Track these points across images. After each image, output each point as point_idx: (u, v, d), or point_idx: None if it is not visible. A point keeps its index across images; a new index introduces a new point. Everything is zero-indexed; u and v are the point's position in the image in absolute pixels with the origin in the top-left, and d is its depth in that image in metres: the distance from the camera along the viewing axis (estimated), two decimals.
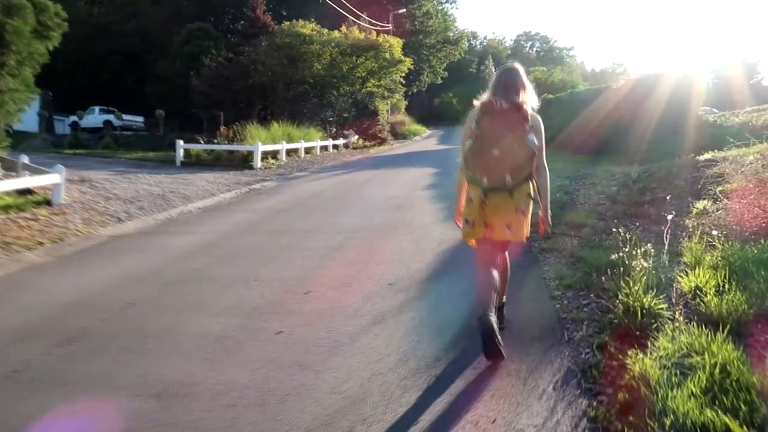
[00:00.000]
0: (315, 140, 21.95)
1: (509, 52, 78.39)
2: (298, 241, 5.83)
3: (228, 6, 43.28)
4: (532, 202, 3.20)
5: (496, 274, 3.15)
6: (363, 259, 5.04)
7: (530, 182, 3.15)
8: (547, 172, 3.23)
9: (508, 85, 3.14)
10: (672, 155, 12.59)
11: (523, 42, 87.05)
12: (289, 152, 19.38)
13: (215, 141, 17.56)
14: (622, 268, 3.91)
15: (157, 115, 33.63)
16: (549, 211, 3.28)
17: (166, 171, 13.91)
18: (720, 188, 6.78)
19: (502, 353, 2.90)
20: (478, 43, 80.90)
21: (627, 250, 4.03)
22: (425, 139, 37.21)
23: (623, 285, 3.59)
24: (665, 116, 14.09)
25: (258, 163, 15.45)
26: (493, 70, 63.40)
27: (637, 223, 6.16)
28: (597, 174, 10.64)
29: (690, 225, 5.46)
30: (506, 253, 3.42)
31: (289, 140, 19.75)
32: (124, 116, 37.35)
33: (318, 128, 24.75)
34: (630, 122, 14.77)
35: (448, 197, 8.71)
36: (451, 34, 54.41)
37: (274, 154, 17.72)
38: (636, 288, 3.51)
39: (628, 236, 4.17)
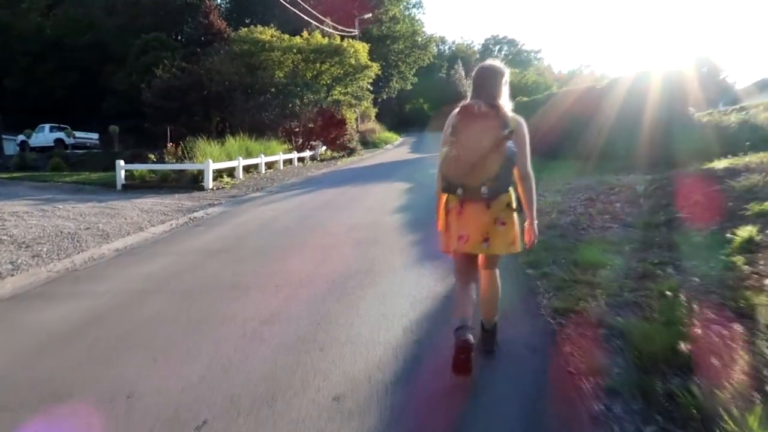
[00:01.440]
0: (277, 154, 20.36)
1: (478, 56, 78.30)
2: (220, 306, 4.25)
3: (186, 14, 41.39)
4: (514, 213, 2.93)
5: (473, 288, 3.06)
6: (303, 341, 3.50)
7: (510, 192, 2.90)
8: (533, 179, 2.97)
9: (485, 85, 2.90)
10: (668, 161, 11.35)
11: (491, 46, 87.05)
12: (248, 168, 17.76)
13: (165, 159, 15.84)
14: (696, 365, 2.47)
15: (111, 131, 31.62)
16: (535, 221, 3.05)
17: (100, 197, 12.16)
18: (759, 207, 5.45)
19: (470, 370, 2.77)
20: (446, 48, 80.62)
21: (698, 330, 2.60)
22: (396, 147, 35.84)
23: (723, 413, 2.13)
24: (653, 117, 12.87)
25: (209, 183, 13.79)
26: (463, 74, 63.33)
27: (666, 257, 4.76)
28: (591, 186, 9.28)
29: (742, 265, 4.08)
30: (496, 271, 3.17)
31: (248, 155, 18.13)
32: (77, 134, 35.28)
33: (281, 140, 23.14)
34: (616, 124, 13.53)
35: (421, 225, 7.22)
36: (420, 39, 53.26)
37: (230, 172, 16.08)
38: (751, 422, 2.06)
39: (670, 292, 2.73)
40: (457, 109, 2.91)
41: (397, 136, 46.53)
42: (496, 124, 2.75)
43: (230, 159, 16.27)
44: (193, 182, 14.20)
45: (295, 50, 24.75)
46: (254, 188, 13.53)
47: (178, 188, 13.98)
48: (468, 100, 2.93)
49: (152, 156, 16.61)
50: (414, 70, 54.06)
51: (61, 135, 34.03)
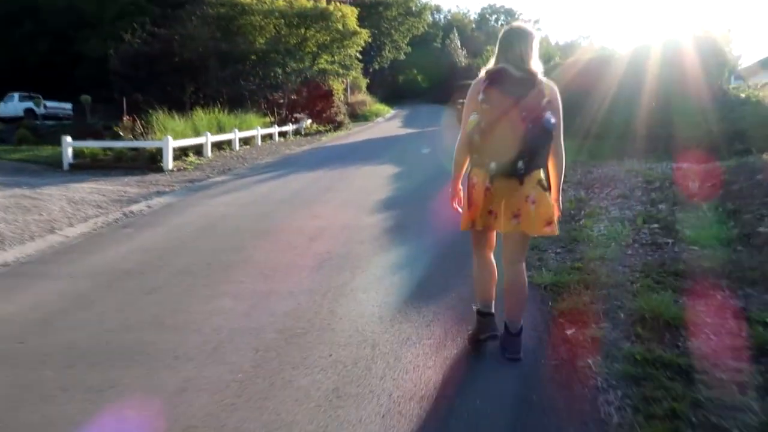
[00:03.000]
0: (254, 128, 18.44)
1: (474, 26, 75.77)
2: (78, 407, 2.54)
3: None
4: (547, 192, 2.68)
5: (493, 261, 2.92)
6: None
7: (542, 168, 2.66)
8: (563, 153, 2.76)
9: (521, 49, 2.61)
10: (701, 144, 9.66)
11: (488, 15, 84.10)
12: (221, 145, 15.89)
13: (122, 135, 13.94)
14: None
15: (83, 100, 29.49)
16: (560, 198, 2.88)
17: (36, 180, 10.33)
18: None
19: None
20: (442, 17, 77.86)
21: None
22: (388, 121, 33.83)
23: None
24: (683, 91, 11.13)
25: (168, 163, 11.96)
26: (459, 44, 60.85)
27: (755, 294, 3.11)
28: (619, 177, 7.56)
29: None
30: (523, 265, 2.85)
31: (220, 130, 16.24)
32: (49, 103, 33.19)
33: (262, 113, 21.20)
34: (638, 100, 11.77)
35: (412, 231, 5.51)
36: (414, 6, 50.70)
37: (198, 149, 14.23)
38: None
39: None
40: (484, 74, 2.64)
41: (389, 108, 44.41)
42: (532, 92, 2.54)
43: (197, 135, 14.41)
44: (150, 162, 12.36)
45: (277, 14, 22.61)
46: (220, 170, 11.73)
47: (132, 169, 12.15)
48: (493, 64, 2.69)
49: (120, 129, 14.67)
50: (408, 39, 51.65)
51: (31, 104, 31.96)
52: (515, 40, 2.64)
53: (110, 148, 12.80)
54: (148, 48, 20.09)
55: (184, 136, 13.78)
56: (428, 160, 12.05)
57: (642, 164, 8.36)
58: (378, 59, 47.77)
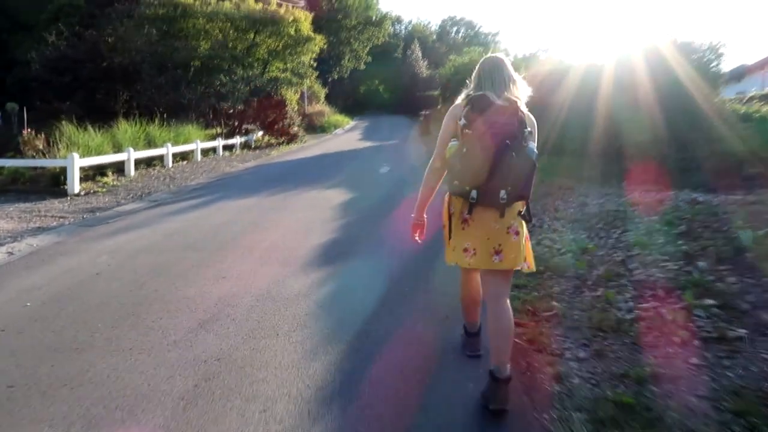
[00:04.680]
0: (193, 142, 16.40)
1: (434, 37, 75.09)
2: None
3: None
4: (523, 222, 2.59)
5: (479, 280, 2.80)
6: None
7: (524, 199, 2.53)
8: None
9: (503, 77, 2.56)
10: (698, 166, 8.28)
11: (448, 27, 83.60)
12: (152, 161, 13.84)
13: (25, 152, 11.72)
14: None
15: (8, 108, 26.71)
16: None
17: None
18: None
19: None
20: (403, 27, 76.92)
21: None
22: (347, 132, 32.06)
23: None
24: (671, 105, 9.76)
25: (74, 186, 9.88)
26: (420, 55, 59.81)
27: None
28: (624, 211, 5.99)
29: None
30: (507, 301, 2.61)
31: (150, 144, 14.17)
32: None
33: (205, 126, 19.16)
34: (619, 114, 10.39)
35: (363, 313, 3.70)
36: (374, 15, 49.21)
37: (120, 167, 12.17)
38: None
39: None
40: (466, 99, 2.59)
41: (349, 119, 42.64)
42: (516, 121, 2.45)
43: (119, 150, 12.32)
44: (53, 184, 10.26)
45: (222, 17, 20.60)
46: (136, 195, 9.72)
47: (29, 192, 10.04)
48: (474, 90, 2.62)
49: (37, 142, 12.39)
50: (368, 48, 50.07)
51: None
52: (496, 69, 2.59)
53: (5, 168, 10.60)
54: (72, 51, 17.78)
55: (100, 152, 11.69)
56: (386, 182, 10.32)
57: (645, 193, 6.83)
58: (337, 69, 46.01)
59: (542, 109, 10.95)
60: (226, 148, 19.30)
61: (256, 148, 21.55)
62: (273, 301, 4.00)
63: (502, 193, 2.42)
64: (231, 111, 22.16)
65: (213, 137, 19.23)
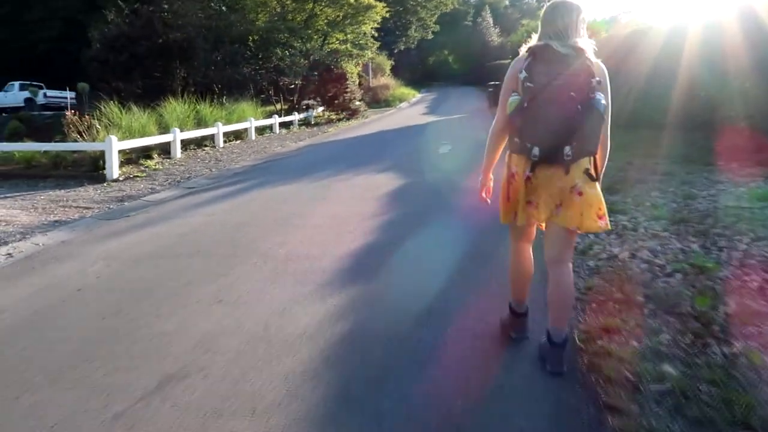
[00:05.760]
0: (247, 120, 15.74)
1: (507, 2, 71.40)
2: None
3: None
4: (596, 183, 2.41)
5: (531, 254, 2.72)
6: None
7: (591, 155, 2.38)
8: (609, 142, 2.50)
9: (566, 24, 2.35)
10: None
11: None
12: (203, 141, 13.29)
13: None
14: None
15: (80, 89, 27.41)
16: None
17: None
18: None
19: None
20: None
21: None
22: (412, 106, 30.75)
23: None
24: None
25: (113, 171, 9.34)
26: (491, 22, 57.02)
27: None
28: (755, 212, 4.55)
29: None
30: (569, 265, 2.53)
31: (198, 124, 13.59)
32: (50, 92, 31.44)
33: (263, 102, 18.52)
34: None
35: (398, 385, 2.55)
36: None
37: (165, 148, 11.64)
38: None
39: None
40: (527, 50, 2.42)
41: (415, 92, 41.18)
42: (582, 71, 2.28)
43: (165, 131, 11.76)
44: (93, 169, 9.78)
45: None
46: (175, 180, 9.04)
47: (69, 178, 9.60)
48: (537, 40, 2.43)
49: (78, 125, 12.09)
50: (436, 17, 47.98)
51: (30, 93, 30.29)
52: (560, 15, 2.38)
53: (47, 152, 10.23)
54: (128, 28, 17.45)
55: (144, 133, 11.14)
56: (445, 165, 9.09)
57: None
58: (403, 39, 44.41)
59: (617, 74, 9.66)
60: (283, 125, 18.60)
61: (315, 124, 20.76)
62: (268, 344, 2.98)
63: (567, 150, 2.29)
64: (291, 86, 21.42)
65: (270, 114, 18.56)
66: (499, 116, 2.53)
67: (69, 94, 31.40)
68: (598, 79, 2.29)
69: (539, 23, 2.47)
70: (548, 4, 2.47)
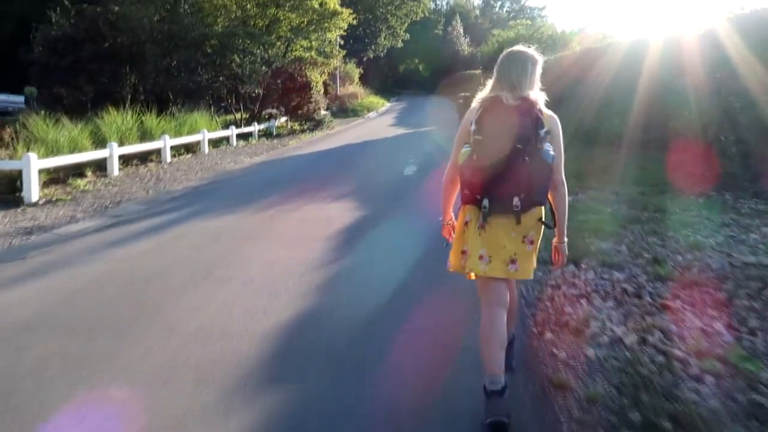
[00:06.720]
0: (200, 132, 14.57)
1: (477, 12, 71.63)
2: None
3: None
4: (542, 228, 2.44)
5: (504, 318, 2.44)
6: None
7: (543, 205, 2.41)
8: (566, 189, 2.48)
9: (519, 76, 2.37)
10: None
11: (492, 1, 79.59)
12: (148, 156, 12.10)
13: None
14: None
15: (28, 93, 25.72)
16: (566, 239, 2.54)
17: None
18: None
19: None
20: (444, 2, 73.57)
21: None
22: (381, 116, 29.92)
23: None
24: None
25: (33, 192, 8.16)
26: (461, 31, 56.80)
27: None
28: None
29: None
30: (505, 312, 2.48)
31: (143, 137, 12.39)
32: None
33: (216, 112, 17.36)
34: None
35: None
36: None
37: (100, 165, 10.44)
38: None
39: None
40: (479, 102, 2.43)
41: (384, 101, 40.41)
42: (529, 122, 2.29)
43: (101, 146, 10.55)
44: (10, 191, 8.52)
45: None
46: (101, 206, 7.87)
47: None
48: (489, 91, 2.45)
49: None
50: (406, 25, 47.35)
51: None
52: (514, 65, 2.41)
53: None
54: (72, 30, 16.10)
55: (75, 148, 9.92)
56: (409, 192, 8.15)
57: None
58: (373, 47, 43.62)
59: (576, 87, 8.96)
60: (241, 137, 17.47)
61: (277, 136, 19.68)
62: None
63: (516, 200, 2.29)
64: (253, 95, 20.28)
65: (227, 125, 17.41)
66: (450, 167, 2.54)
67: (19, 99, 29.56)
68: (546, 129, 2.29)
69: (494, 69, 2.45)
70: (504, 52, 2.48)
